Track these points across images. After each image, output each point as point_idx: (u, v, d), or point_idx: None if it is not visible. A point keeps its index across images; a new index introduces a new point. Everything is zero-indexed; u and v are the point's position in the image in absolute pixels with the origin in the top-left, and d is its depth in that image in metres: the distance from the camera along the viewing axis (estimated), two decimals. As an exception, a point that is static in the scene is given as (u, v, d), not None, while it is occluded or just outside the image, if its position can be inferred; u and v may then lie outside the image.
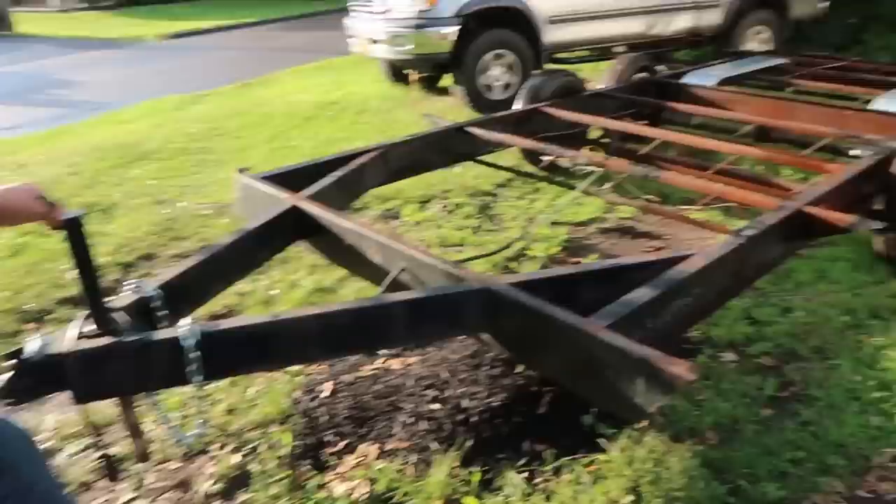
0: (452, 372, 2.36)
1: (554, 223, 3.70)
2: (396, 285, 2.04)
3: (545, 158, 3.83)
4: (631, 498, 1.84)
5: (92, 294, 1.59)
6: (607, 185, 3.24)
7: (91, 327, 1.60)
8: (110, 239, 3.78)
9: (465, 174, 4.45)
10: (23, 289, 3.25)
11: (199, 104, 7.97)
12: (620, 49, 7.48)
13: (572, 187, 3.32)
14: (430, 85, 7.34)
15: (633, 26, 7.18)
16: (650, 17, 7.21)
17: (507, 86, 6.46)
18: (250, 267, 2.40)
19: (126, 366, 1.61)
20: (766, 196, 2.55)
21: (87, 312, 1.61)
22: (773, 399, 2.24)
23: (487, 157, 3.68)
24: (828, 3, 8.05)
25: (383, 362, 2.51)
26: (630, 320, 1.69)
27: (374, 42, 6.55)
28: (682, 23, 7.44)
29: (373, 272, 2.19)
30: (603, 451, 2.00)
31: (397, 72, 7.53)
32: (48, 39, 15.84)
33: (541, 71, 5.75)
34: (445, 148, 3.46)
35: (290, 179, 2.70)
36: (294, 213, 2.36)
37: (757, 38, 7.87)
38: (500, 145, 3.52)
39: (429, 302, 1.82)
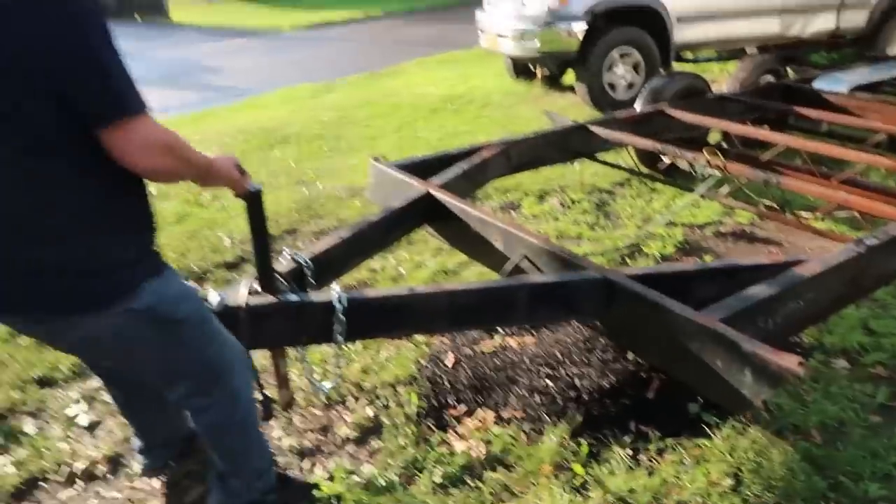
0: (566, 353, 2.55)
1: (670, 224, 3.78)
2: (517, 272, 2.23)
3: (664, 159, 3.90)
4: (731, 482, 1.96)
5: (262, 258, 1.87)
6: (725, 189, 3.30)
7: (256, 286, 1.88)
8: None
9: (582, 171, 4.57)
10: (187, 251, 3.72)
11: (331, 93, 8.49)
12: (752, 49, 7.29)
13: (690, 190, 3.40)
14: (553, 82, 7.47)
15: (769, 26, 6.97)
16: (788, 16, 6.96)
17: (630, 85, 6.48)
18: (384, 246, 2.66)
19: (285, 322, 1.89)
20: (892, 206, 2.55)
21: (254, 273, 1.90)
22: (884, 407, 2.27)
23: (605, 156, 3.80)
24: None
25: (501, 340, 2.73)
26: (742, 316, 1.79)
27: (502, 37, 6.75)
28: (822, 23, 7.13)
29: (494, 259, 2.39)
30: (707, 437, 2.12)
31: (520, 68, 7.71)
32: (197, 27, 17.19)
33: (664, 72, 5.75)
34: (565, 145, 3.60)
35: (420, 168, 2.95)
36: (426, 199, 2.58)
37: (906, 42, 7.42)
38: (619, 144, 3.63)
39: (549, 287, 2.01)
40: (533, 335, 2.73)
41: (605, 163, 3.84)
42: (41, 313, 1.42)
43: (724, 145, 4.08)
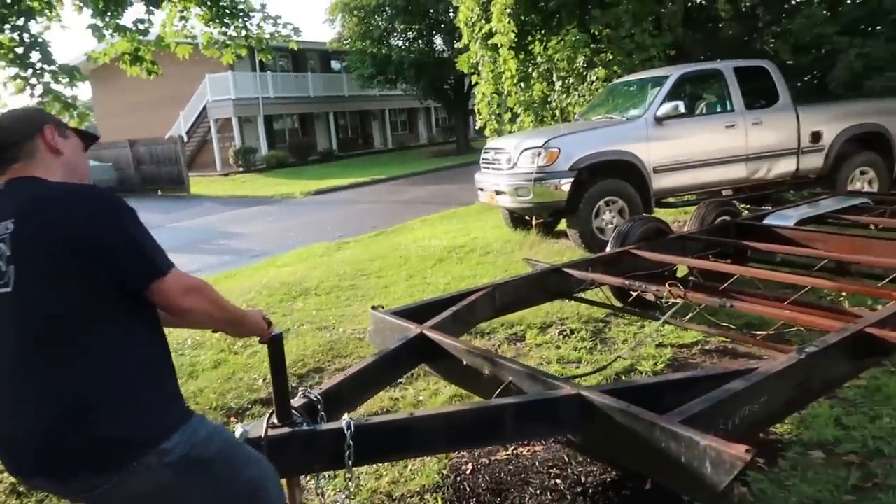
0: (571, 455, 2.87)
1: (659, 345, 4.18)
2: (506, 395, 2.39)
3: (633, 293, 4.23)
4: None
5: (280, 394, 2.03)
6: (689, 316, 3.69)
7: (275, 420, 2.02)
8: (286, 357, 4.63)
9: (579, 305, 5.04)
10: (225, 392, 4.10)
11: (344, 250, 9.18)
12: (728, 191, 8.05)
13: (657, 318, 3.74)
14: (547, 229, 8.17)
15: (735, 172, 7.79)
16: (753, 163, 7.79)
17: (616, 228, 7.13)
18: (387, 383, 2.96)
19: (300, 450, 2.02)
20: (833, 321, 2.89)
21: (273, 409, 2.03)
22: (857, 487, 2.57)
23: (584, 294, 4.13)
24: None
25: (514, 450, 3.05)
26: (701, 418, 1.98)
27: (499, 193, 7.53)
28: (784, 167, 7.97)
29: (484, 388, 2.59)
30: (699, 518, 2.40)
31: (516, 219, 8.45)
32: (214, 198, 18.50)
33: (629, 218, 6.34)
34: (544, 286, 3.97)
35: (414, 314, 3.20)
36: (420, 340, 2.81)
37: (863, 178, 8.21)
38: (592, 283, 4.01)
39: (531, 405, 2.20)
40: (542, 443, 3.05)
41: (581, 300, 4.21)
42: (80, 474, 1.48)
43: (692, 278, 4.43)
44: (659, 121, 7.35)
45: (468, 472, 2.93)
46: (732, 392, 2.12)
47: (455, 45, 19.48)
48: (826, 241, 4.28)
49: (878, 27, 9.60)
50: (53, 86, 6.13)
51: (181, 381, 4.22)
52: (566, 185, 6.99)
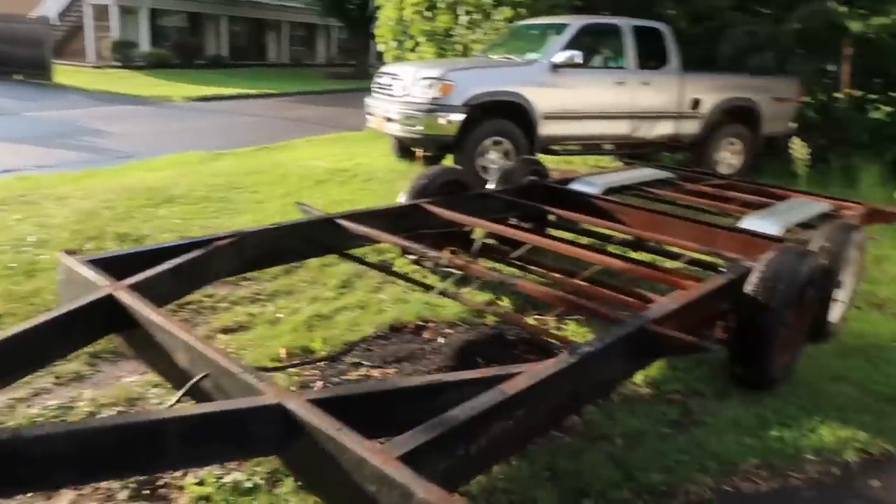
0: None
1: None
2: (199, 393, 1.95)
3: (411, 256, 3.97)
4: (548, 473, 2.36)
5: None
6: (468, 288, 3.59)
7: None
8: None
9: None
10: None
11: (220, 161, 8.72)
12: (609, 146, 8.33)
13: (430, 287, 3.49)
14: (433, 162, 8.11)
15: (618, 128, 8.05)
16: (634, 121, 8.08)
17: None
18: (59, 355, 2.30)
19: None
20: (615, 309, 2.71)
21: None
22: (675, 422, 2.80)
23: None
24: (795, 124, 8.98)
25: (367, 372, 3.06)
26: (431, 448, 1.58)
27: (389, 120, 7.38)
28: (663, 129, 8.32)
29: (179, 376, 2.05)
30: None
31: (404, 149, 8.34)
32: (82, 91, 16.95)
33: (431, 167, 6.27)
34: (311, 238, 3.42)
35: (126, 263, 2.56)
36: (108, 303, 2.22)
37: (730, 149, 8.76)
38: (367, 241, 3.50)
39: (211, 419, 1.65)
40: (395, 367, 3.08)
41: (351, 258, 3.72)
42: None
43: (487, 241, 4.10)
44: (555, 68, 7.42)
45: (317, 390, 2.90)
46: (483, 409, 1.71)
47: (362, -37, 18.60)
48: (626, 215, 4.04)
49: (766, 9, 10.11)
50: None
51: (17, 279, 3.89)
52: (456, 120, 6.95)
